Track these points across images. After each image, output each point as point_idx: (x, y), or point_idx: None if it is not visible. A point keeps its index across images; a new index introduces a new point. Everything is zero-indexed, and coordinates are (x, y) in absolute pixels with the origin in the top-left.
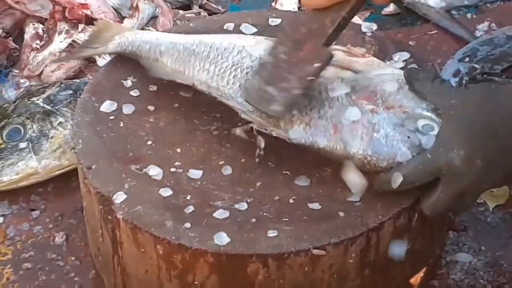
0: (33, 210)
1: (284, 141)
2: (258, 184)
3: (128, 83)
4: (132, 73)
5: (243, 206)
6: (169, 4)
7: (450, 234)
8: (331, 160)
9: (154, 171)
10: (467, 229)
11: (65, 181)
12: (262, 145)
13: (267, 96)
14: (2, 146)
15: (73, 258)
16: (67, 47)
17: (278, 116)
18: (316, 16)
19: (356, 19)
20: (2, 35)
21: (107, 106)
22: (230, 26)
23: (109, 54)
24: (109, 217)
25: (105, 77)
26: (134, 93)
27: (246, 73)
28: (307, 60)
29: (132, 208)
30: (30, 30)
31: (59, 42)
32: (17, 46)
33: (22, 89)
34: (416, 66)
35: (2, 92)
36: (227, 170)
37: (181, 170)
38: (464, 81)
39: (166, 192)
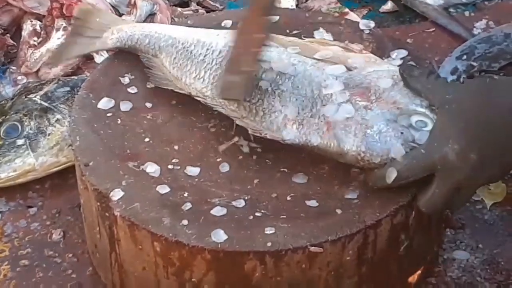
0: (30, 207)
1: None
2: (255, 181)
3: (126, 80)
4: (129, 70)
5: (241, 203)
6: (167, 1)
7: (447, 232)
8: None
9: (152, 168)
10: (464, 227)
11: (62, 178)
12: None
13: (228, 85)
14: (0, 143)
15: (70, 255)
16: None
17: (240, 99)
18: None
19: (354, 17)
20: (0, 32)
21: (105, 103)
22: (227, 23)
23: (108, 50)
24: (107, 214)
25: (103, 74)
26: (132, 90)
27: None
28: (249, 33)
29: (130, 205)
30: (27, 27)
31: (57, 39)
32: (14, 43)
33: (19, 86)
34: (413, 64)
35: (0, 89)
36: (225, 167)
37: (179, 167)
38: (462, 79)
39: (163, 189)
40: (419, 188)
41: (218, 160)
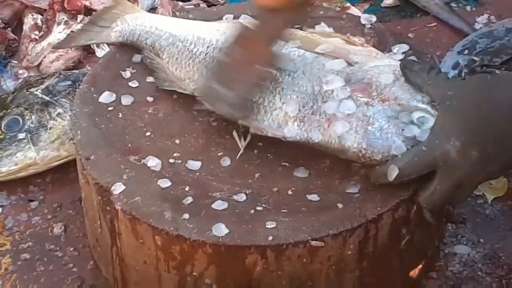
0: (31, 200)
1: None
2: (256, 175)
3: (127, 74)
4: (131, 64)
5: (242, 197)
6: None
7: (448, 226)
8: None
9: (153, 162)
10: (465, 221)
11: (63, 172)
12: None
13: (218, 96)
14: (1, 136)
15: (71, 249)
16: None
17: (229, 116)
18: (270, 17)
19: (355, 11)
20: (1, 26)
21: (106, 97)
22: (229, 17)
23: (111, 44)
24: (108, 208)
25: (104, 68)
26: (133, 84)
27: None
28: (257, 62)
29: (131, 199)
30: (29, 21)
31: (58, 33)
32: (16, 37)
33: (20, 80)
34: (415, 58)
35: (1, 83)
36: (226, 161)
37: (180, 161)
38: (463, 74)
39: (164, 183)
40: (420, 184)
41: (220, 154)
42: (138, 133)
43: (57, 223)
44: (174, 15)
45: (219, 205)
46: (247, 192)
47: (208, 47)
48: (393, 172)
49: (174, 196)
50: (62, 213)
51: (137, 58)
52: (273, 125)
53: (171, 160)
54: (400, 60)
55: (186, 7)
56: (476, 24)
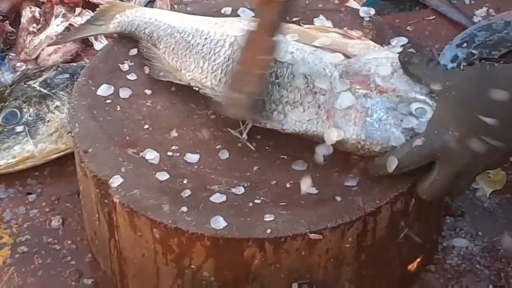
0: (29, 193)
1: None
2: (255, 168)
3: (125, 67)
4: (129, 57)
5: (240, 190)
6: None
7: (447, 219)
8: None
9: (151, 155)
10: (464, 214)
11: (61, 165)
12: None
13: (231, 102)
14: None
15: (69, 242)
16: (63, 30)
17: (242, 118)
18: (264, 10)
19: (354, 4)
20: None
21: (104, 89)
22: (227, 10)
23: (108, 34)
24: (106, 201)
25: (102, 60)
26: (131, 77)
27: None
28: (259, 53)
29: (129, 192)
30: (27, 13)
31: (56, 26)
32: (14, 30)
33: (18, 73)
34: (413, 51)
35: None
36: (224, 154)
37: (178, 154)
38: (462, 67)
39: (163, 176)
40: (419, 175)
41: (218, 147)
42: (136, 126)
43: (55, 216)
44: (172, 8)
45: (217, 198)
46: (245, 185)
47: (206, 38)
48: (392, 163)
49: (172, 189)
50: (60, 206)
51: (135, 51)
52: (271, 117)
53: (169, 153)
54: (398, 53)
55: (184, 0)
56: (475, 17)
